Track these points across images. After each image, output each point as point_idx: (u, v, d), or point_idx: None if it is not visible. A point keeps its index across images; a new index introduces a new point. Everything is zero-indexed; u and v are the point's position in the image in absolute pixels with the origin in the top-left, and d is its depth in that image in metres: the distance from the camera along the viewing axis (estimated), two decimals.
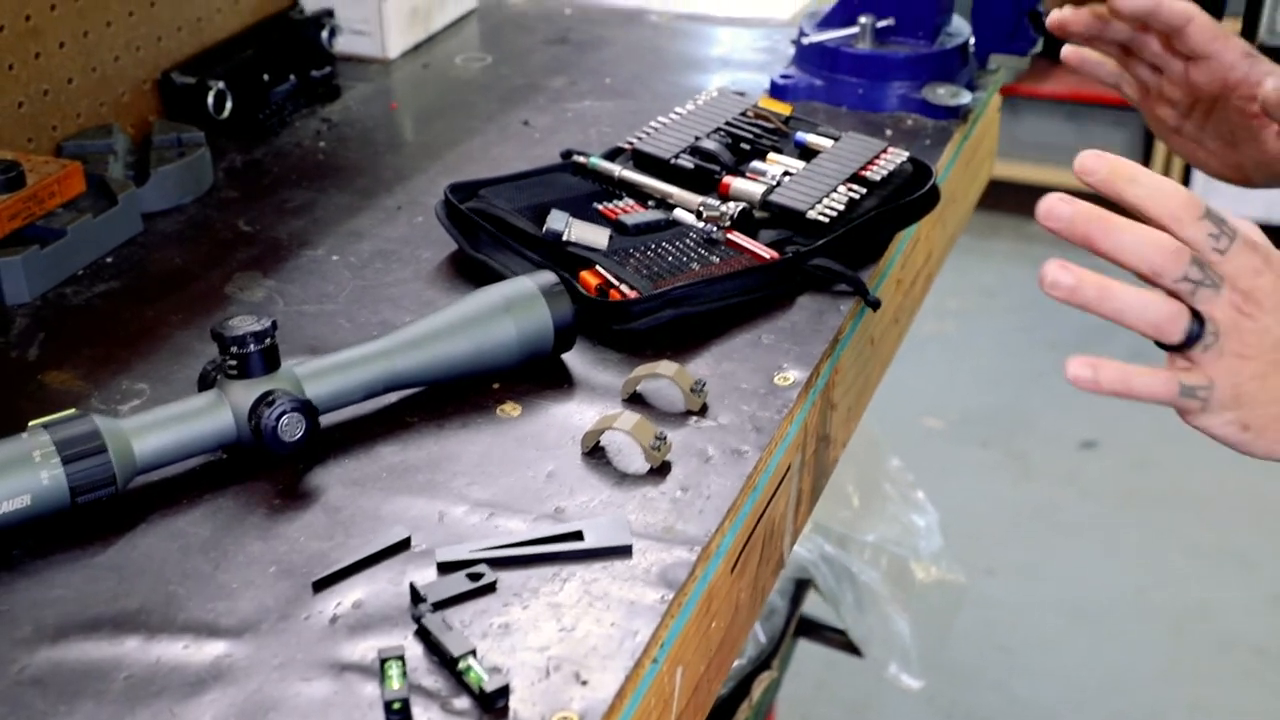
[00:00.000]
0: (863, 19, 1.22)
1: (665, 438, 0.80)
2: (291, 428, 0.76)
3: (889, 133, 1.19)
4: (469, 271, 0.98)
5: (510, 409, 0.84)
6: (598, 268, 0.94)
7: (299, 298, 0.96)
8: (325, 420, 0.81)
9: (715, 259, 0.96)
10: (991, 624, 2.28)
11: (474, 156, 1.16)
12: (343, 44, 1.33)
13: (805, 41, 1.24)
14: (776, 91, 1.25)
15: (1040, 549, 2.46)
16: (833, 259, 0.97)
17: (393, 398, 0.84)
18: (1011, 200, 3.61)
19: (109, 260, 1.00)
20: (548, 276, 0.87)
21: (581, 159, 1.08)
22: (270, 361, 0.78)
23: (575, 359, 0.89)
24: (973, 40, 1.23)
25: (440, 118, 1.25)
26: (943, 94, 1.21)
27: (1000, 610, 2.33)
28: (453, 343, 0.83)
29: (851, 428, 1.03)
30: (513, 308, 0.85)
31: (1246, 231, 0.70)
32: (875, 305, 0.97)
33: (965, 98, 1.21)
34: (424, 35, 1.38)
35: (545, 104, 1.26)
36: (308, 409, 0.77)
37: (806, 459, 0.91)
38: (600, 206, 1.02)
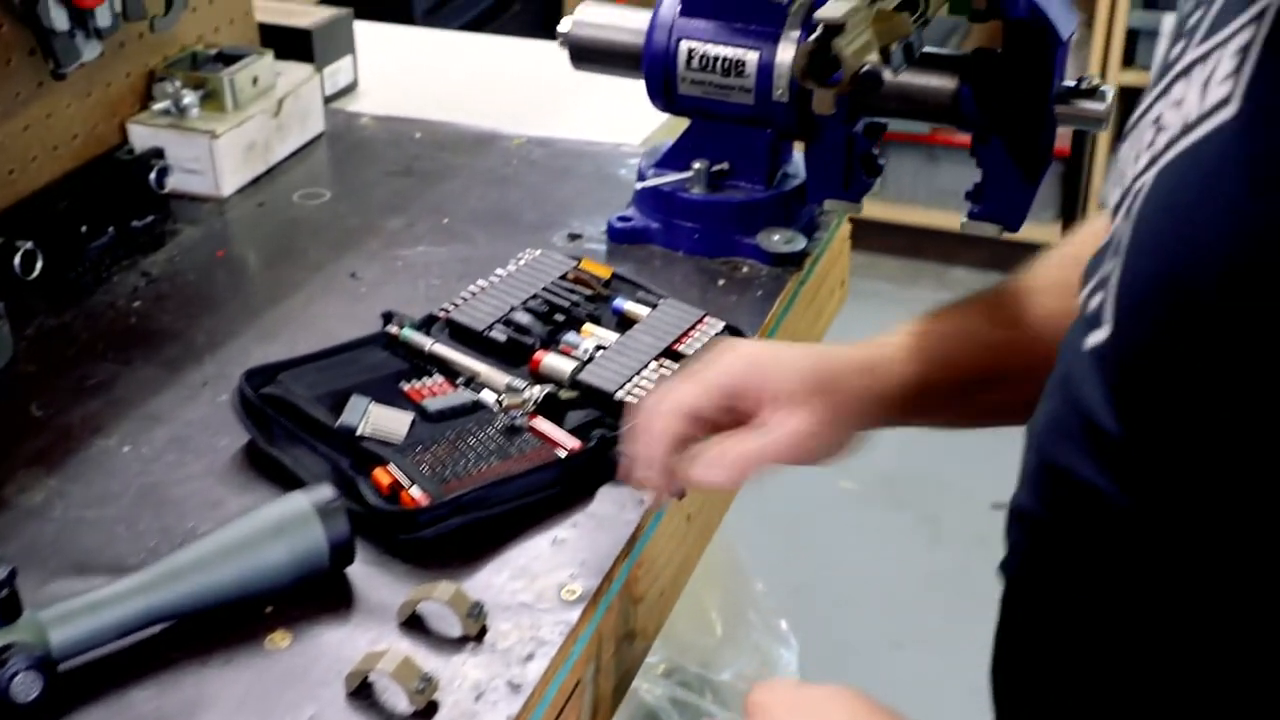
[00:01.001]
0: (696, 164, 1.19)
1: (431, 679, 0.77)
2: (26, 688, 0.72)
3: (722, 281, 1.17)
4: (264, 466, 0.94)
5: (280, 639, 0.81)
6: (390, 466, 0.91)
7: (80, 499, 0.92)
8: (79, 661, 0.77)
9: (515, 451, 0.93)
10: (897, 701, 2.26)
11: (294, 317, 1.13)
12: (175, 181, 1.29)
13: (639, 186, 1.22)
14: (614, 234, 1.22)
15: (949, 619, 2.44)
16: None
17: (158, 628, 0.81)
18: (932, 248, 3.61)
19: None
20: (324, 493, 0.84)
21: (395, 330, 1.05)
22: (8, 611, 0.74)
23: (359, 570, 0.86)
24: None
25: (267, 268, 1.22)
26: (777, 240, 1.18)
27: (906, 687, 2.32)
28: (219, 572, 0.80)
29: (667, 610, 1.01)
30: (284, 530, 0.82)
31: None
32: (679, 495, 0.94)
33: (800, 243, 1.19)
34: (263, 168, 1.35)
35: (378, 250, 1.23)
36: (46, 664, 0.73)
37: (603, 664, 0.89)
38: (407, 386, 0.99)
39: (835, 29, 0.85)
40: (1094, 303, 0.65)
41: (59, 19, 1.13)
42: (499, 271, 1.11)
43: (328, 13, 1.52)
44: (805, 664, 1.42)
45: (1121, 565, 0.62)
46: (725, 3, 1.15)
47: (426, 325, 1.06)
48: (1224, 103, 0.59)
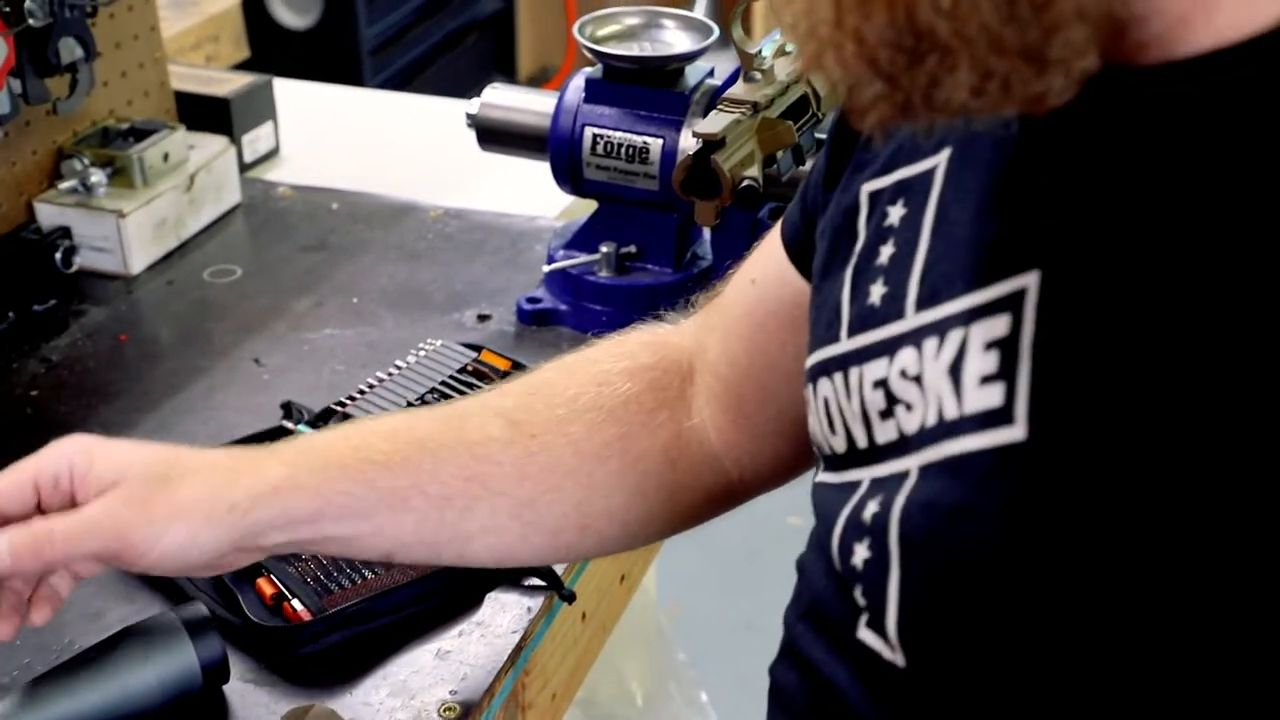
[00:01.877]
0: (604, 247, 1.19)
1: None
2: None
3: None
4: (148, 575, 0.93)
5: None
6: (272, 576, 0.90)
7: None
8: None
9: None
10: None
11: (194, 407, 1.12)
12: (84, 259, 1.28)
13: (547, 269, 1.21)
14: (523, 316, 1.22)
15: None
16: None
17: None
18: None
19: None
20: (195, 610, 0.83)
21: (291, 425, 1.04)
22: None
23: (236, 687, 0.85)
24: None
25: (170, 353, 1.20)
26: None
27: None
28: (85, 698, 0.79)
29: (562, 709, 1.00)
30: (154, 651, 0.81)
31: None
32: (569, 599, 0.94)
33: None
34: (175, 243, 1.34)
35: (284, 332, 1.22)
36: None
37: None
38: None
39: (715, 144, 0.85)
40: (860, 597, 0.61)
41: None
42: (399, 363, 1.10)
43: (247, 79, 1.51)
44: (746, 702, 1.41)
45: None
46: (629, 90, 1.15)
47: (324, 420, 1.05)
48: (1001, 415, 0.54)
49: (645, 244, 1.20)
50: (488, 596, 0.92)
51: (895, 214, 0.63)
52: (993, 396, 0.54)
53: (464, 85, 3.20)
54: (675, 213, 1.18)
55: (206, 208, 1.38)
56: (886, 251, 0.62)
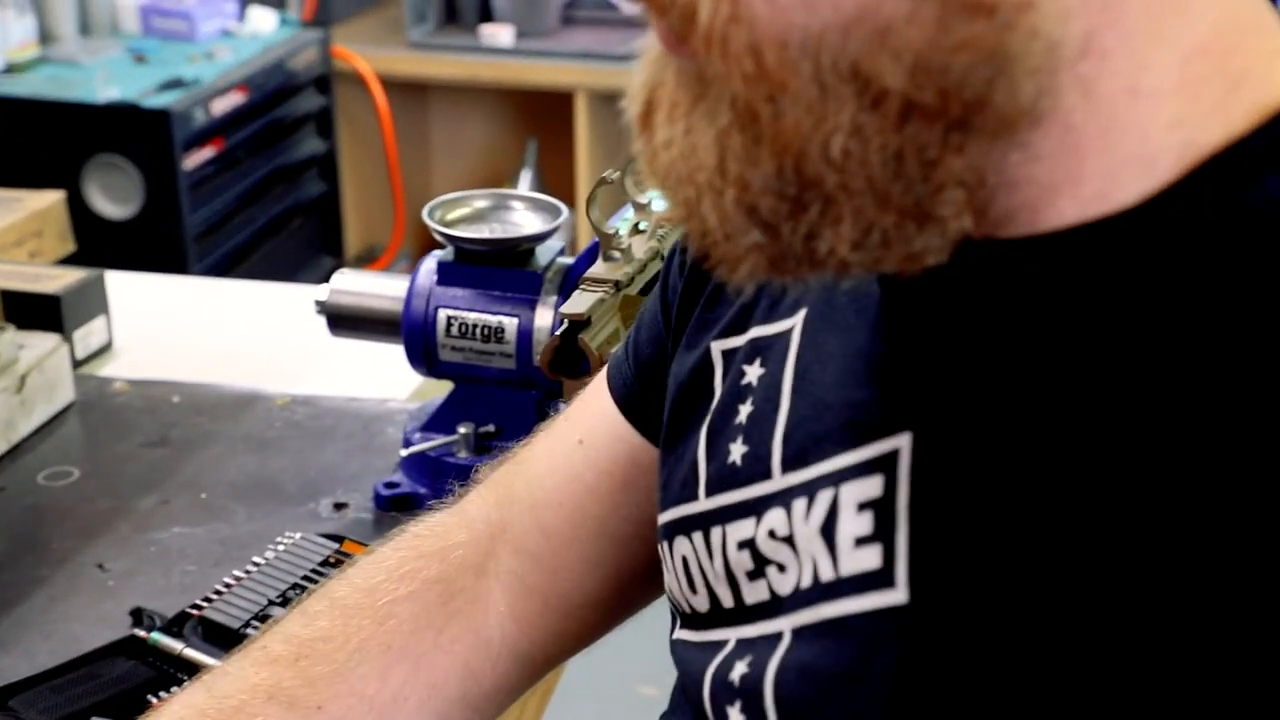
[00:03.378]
0: (462, 428, 1.18)
1: None
2: None
3: None
4: None
5: None
6: None
7: None
8: None
9: None
10: None
11: (34, 620, 1.05)
12: None
13: (404, 453, 1.19)
14: (380, 502, 1.19)
15: None
16: None
17: None
18: None
19: None
20: None
21: (143, 633, 0.99)
22: None
23: None
24: None
25: (4, 565, 1.13)
26: None
27: None
28: None
29: None
30: None
31: None
32: None
33: None
34: (5, 447, 1.27)
35: (129, 534, 1.16)
36: None
37: None
38: (156, 699, 0.93)
39: (581, 324, 0.86)
40: None
41: None
42: (256, 560, 1.06)
43: (77, 275, 1.47)
44: None
45: None
46: (481, 271, 1.15)
47: (178, 624, 1.00)
48: (880, 578, 0.54)
49: (504, 422, 1.19)
50: None
51: (753, 373, 0.62)
52: (870, 559, 0.54)
53: (291, 268, 3.17)
54: (533, 389, 1.18)
55: (38, 408, 1.32)
56: (745, 410, 0.62)
